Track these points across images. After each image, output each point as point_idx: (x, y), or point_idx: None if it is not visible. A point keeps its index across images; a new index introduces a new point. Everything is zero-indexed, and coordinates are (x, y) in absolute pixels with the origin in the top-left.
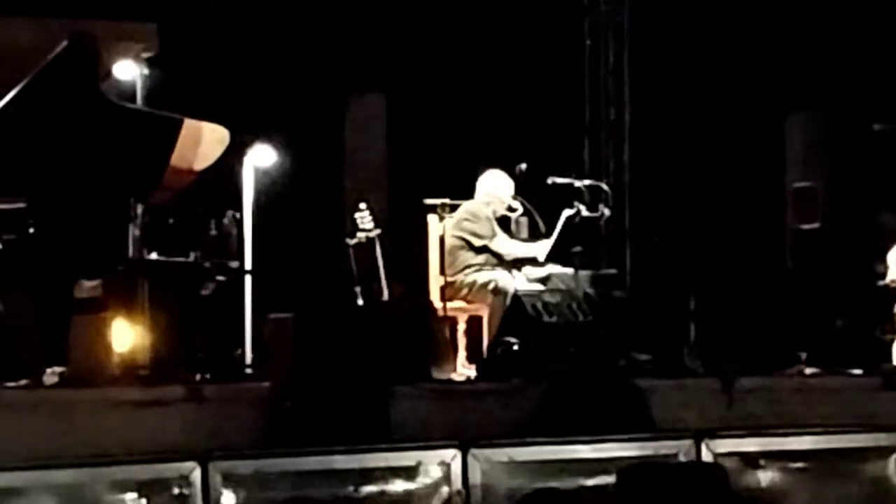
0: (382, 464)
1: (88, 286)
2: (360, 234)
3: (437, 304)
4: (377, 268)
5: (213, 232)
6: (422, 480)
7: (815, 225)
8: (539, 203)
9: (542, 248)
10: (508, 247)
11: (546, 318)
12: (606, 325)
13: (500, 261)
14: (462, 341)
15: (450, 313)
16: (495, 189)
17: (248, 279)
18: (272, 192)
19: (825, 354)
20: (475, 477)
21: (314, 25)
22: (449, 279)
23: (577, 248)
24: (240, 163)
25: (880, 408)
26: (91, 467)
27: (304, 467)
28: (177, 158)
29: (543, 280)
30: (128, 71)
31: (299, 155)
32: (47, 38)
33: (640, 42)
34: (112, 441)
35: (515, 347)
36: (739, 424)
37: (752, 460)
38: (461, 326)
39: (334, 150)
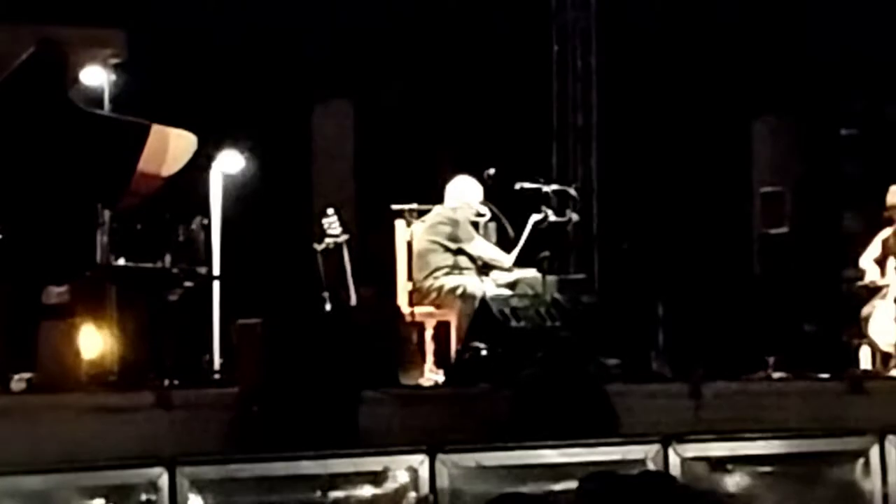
0: (350, 469)
1: (56, 292)
2: (328, 240)
3: (405, 309)
4: (345, 273)
5: (181, 238)
6: (389, 486)
7: (783, 229)
8: (507, 208)
9: (514, 256)
10: (486, 250)
11: (514, 323)
12: (574, 330)
13: (472, 263)
14: (430, 346)
15: (418, 318)
16: (464, 195)
17: (216, 285)
18: (240, 198)
19: (793, 359)
20: (443, 482)
21: (281, 31)
22: (417, 284)
23: (545, 253)
24: (207, 168)
25: (847, 412)
26: (59, 473)
27: (271, 472)
28: (144, 164)
29: (511, 285)
30: (95, 77)
31: (267, 160)
32: (15, 43)
33: (608, 47)
34: (80, 447)
35: (483, 352)
36: (707, 429)
37: (719, 464)
38: (429, 331)
39: (302, 155)
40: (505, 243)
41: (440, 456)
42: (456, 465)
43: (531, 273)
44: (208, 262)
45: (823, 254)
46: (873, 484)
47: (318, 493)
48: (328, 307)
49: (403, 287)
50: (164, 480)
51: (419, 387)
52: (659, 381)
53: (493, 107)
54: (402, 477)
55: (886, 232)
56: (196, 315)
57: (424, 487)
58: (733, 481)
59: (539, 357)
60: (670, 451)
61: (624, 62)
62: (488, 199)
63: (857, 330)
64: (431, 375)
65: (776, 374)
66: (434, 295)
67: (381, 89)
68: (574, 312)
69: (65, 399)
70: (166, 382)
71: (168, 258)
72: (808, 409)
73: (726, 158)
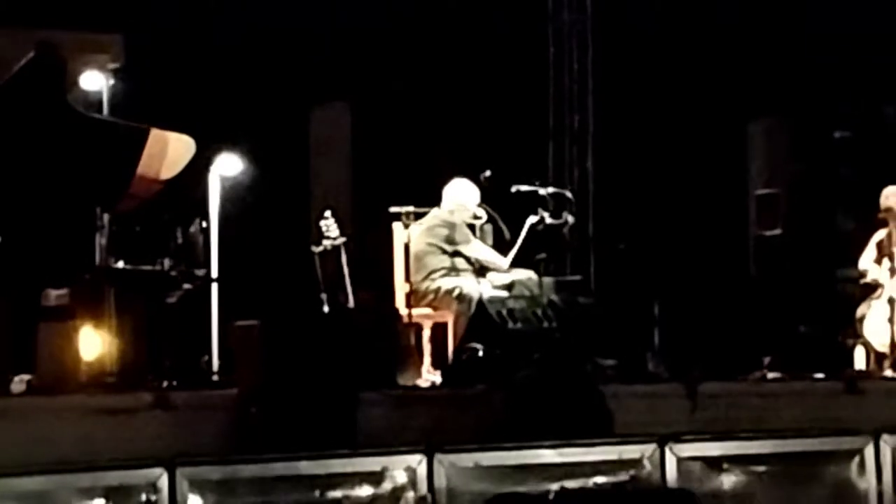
0: (348, 469)
1: (56, 294)
2: (326, 242)
3: (403, 310)
4: (343, 275)
5: (180, 240)
6: (387, 486)
7: (778, 231)
8: (504, 211)
9: (511, 258)
10: (482, 252)
11: (511, 325)
12: (571, 331)
13: (469, 265)
14: (427, 347)
15: (415, 320)
16: (461, 197)
17: (214, 287)
18: (238, 201)
19: (788, 359)
20: (440, 482)
21: (278, 35)
22: (414, 286)
23: (542, 255)
24: (206, 171)
25: (843, 412)
26: (58, 474)
27: (270, 473)
28: (143, 167)
29: (508, 286)
30: (94, 81)
31: (265, 163)
32: (14, 48)
33: (604, 49)
34: (79, 448)
35: (480, 353)
36: (703, 429)
37: (715, 464)
38: (426, 333)
39: (299, 158)
40: (501, 245)
41: (438, 456)
42: (454, 465)
43: (528, 275)
44: (207, 265)
45: (818, 255)
46: (868, 483)
47: (317, 494)
48: (326, 309)
49: (401, 289)
50: (163, 481)
51: (417, 388)
52: (655, 382)
53: (489, 109)
54: (400, 477)
55: (881, 234)
56: (195, 317)
57: (422, 487)
58: (729, 481)
59: (536, 358)
60: (666, 451)
61: (620, 64)
62: (485, 201)
63: (852, 330)
64: (429, 376)
65: (771, 375)
66: (431, 297)
67: (379, 92)
68: (570, 314)
69: (64, 401)
70: (165, 384)
71: (167, 260)
72: (803, 409)
73: (721, 161)
